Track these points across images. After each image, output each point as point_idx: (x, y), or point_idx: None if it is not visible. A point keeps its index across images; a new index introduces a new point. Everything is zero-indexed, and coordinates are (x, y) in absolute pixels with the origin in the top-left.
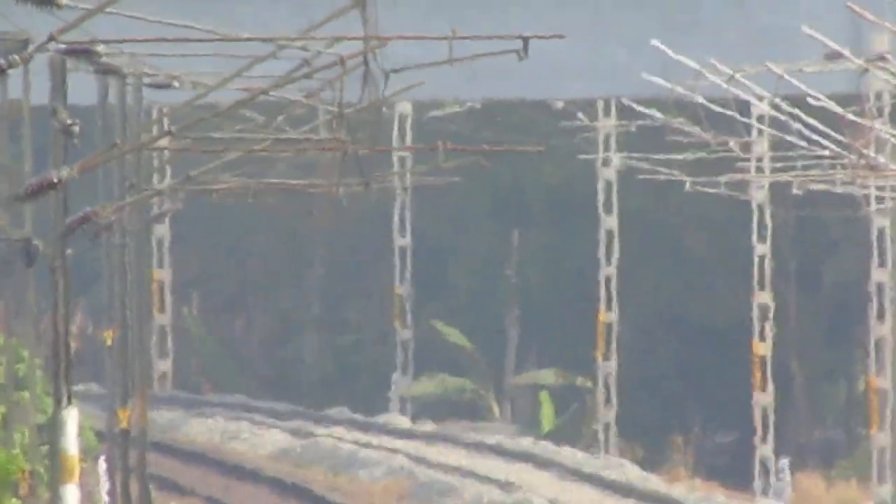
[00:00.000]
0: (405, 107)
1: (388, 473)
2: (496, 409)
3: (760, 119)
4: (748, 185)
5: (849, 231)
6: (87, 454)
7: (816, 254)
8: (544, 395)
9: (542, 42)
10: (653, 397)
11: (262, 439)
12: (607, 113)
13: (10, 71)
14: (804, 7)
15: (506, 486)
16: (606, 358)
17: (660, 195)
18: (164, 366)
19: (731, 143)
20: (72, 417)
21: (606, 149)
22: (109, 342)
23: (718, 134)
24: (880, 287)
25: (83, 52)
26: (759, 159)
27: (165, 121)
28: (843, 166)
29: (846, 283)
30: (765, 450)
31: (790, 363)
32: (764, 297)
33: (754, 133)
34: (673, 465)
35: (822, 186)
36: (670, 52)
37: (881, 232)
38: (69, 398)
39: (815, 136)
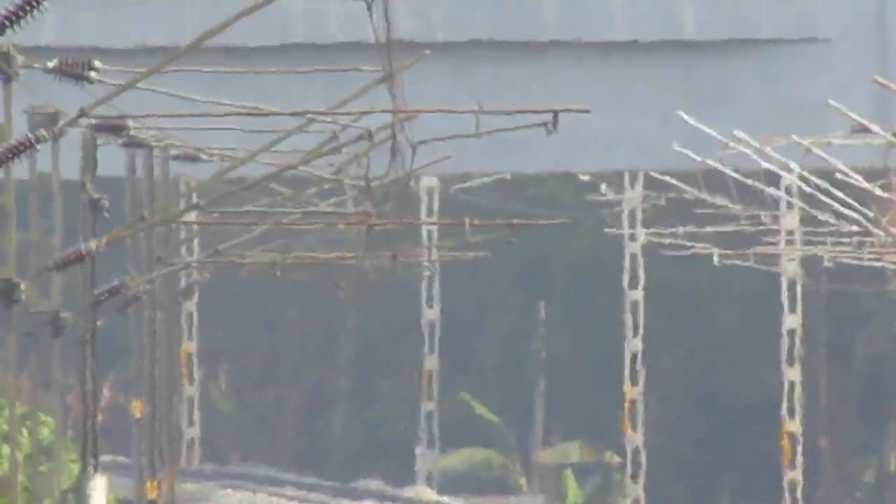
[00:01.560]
0: (432, 180)
1: None
2: (523, 484)
3: (789, 191)
4: (778, 257)
5: (881, 304)
6: None
7: (848, 327)
8: (568, 473)
9: (569, 114)
10: (681, 472)
11: None
12: (633, 185)
13: (40, 145)
14: (831, 80)
15: None
16: (633, 431)
17: (687, 267)
18: (191, 434)
19: (763, 217)
20: (99, 487)
21: (633, 221)
22: (138, 414)
23: (747, 206)
24: None
25: (114, 128)
26: (790, 232)
27: (194, 195)
28: (872, 242)
29: (878, 356)
30: None
31: (819, 438)
32: (793, 373)
33: (783, 206)
34: None
35: (851, 260)
36: (697, 124)
37: None
38: (95, 468)
39: (843, 210)
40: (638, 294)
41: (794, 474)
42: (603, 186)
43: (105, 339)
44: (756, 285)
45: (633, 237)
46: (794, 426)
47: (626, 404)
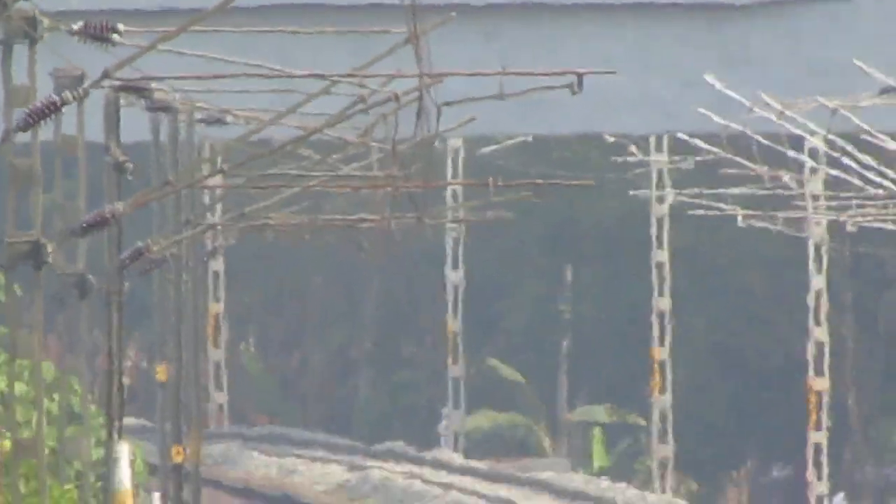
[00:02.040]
0: (457, 143)
1: None
2: (548, 446)
3: (814, 155)
4: (803, 220)
5: None
6: (140, 487)
7: (873, 289)
8: (596, 433)
9: (594, 76)
10: (707, 433)
11: (317, 474)
12: (659, 148)
13: (64, 107)
14: (857, 41)
15: None
16: (661, 393)
17: (713, 231)
18: (219, 398)
19: (786, 178)
20: (124, 452)
21: (659, 184)
22: (163, 377)
23: (773, 169)
24: None
25: (137, 89)
26: (815, 196)
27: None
28: None
29: None
30: (820, 486)
31: (846, 399)
32: (820, 333)
33: (808, 169)
34: (727, 501)
35: (876, 224)
36: (723, 88)
37: None
38: (120, 433)
39: (868, 174)
40: (664, 255)
41: (820, 435)
42: (632, 148)
43: (130, 302)
44: (781, 248)
45: (660, 199)
46: (820, 385)
47: (655, 366)
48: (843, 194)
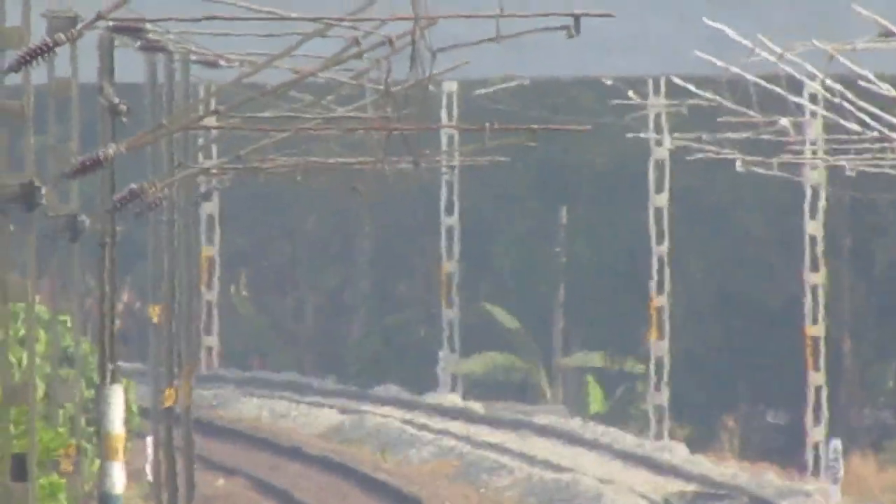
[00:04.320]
0: (452, 85)
1: (438, 453)
2: (546, 390)
3: (813, 99)
4: (801, 165)
5: None
6: (132, 432)
7: (869, 234)
8: (591, 379)
9: (592, 18)
10: (703, 378)
11: (310, 418)
12: (657, 92)
13: (58, 49)
14: None
15: (555, 467)
16: (659, 339)
17: (711, 175)
18: (210, 342)
19: (783, 122)
20: (116, 396)
21: (657, 127)
22: (155, 318)
23: (770, 114)
24: None
25: (131, 30)
26: (813, 141)
27: (213, 100)
28: (893, 149)
29: None
30: (816, 431)
31: (842, 343)
32: (816, 278)
33: (807, 113)
34: (722, 446)
35: (873, 169)
36: (722, 28)
37: None
38: (114, 376)
39: (866, 118)
40: (663, 200)
41: (818, 377)
42: (630, 92)
43: (124, 245)
44: (780, 194)
45: (658, 142)
46: (817, 330)
47: (653, 311)
48: (840, 137)
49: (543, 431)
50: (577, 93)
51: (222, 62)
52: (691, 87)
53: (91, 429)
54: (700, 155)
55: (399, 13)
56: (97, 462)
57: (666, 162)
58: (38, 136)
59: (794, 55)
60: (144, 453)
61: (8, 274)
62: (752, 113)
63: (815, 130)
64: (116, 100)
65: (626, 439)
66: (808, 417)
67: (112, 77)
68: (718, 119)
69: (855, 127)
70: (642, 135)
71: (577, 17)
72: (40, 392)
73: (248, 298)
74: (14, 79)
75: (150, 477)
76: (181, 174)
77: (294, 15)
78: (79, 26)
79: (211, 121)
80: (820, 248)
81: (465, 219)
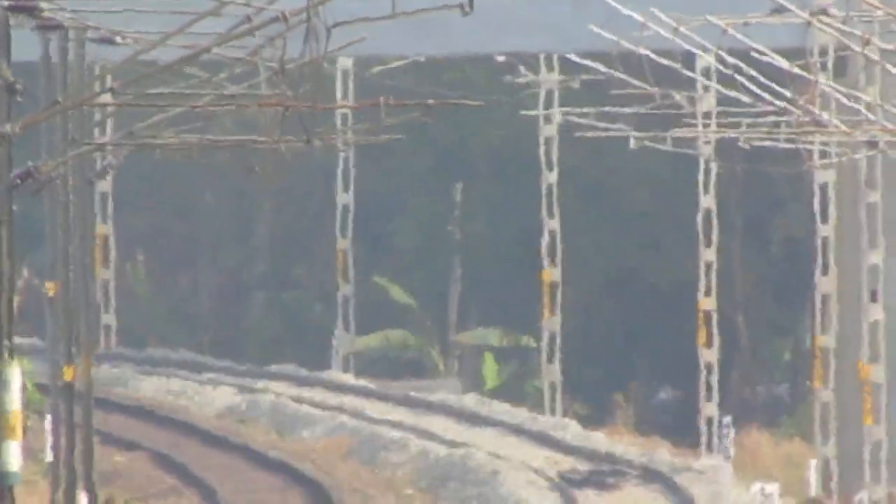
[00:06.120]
0: (347, 63)
1: (332, 430)
2: (441, 366)
3: (706, 73)
4: (694, 140)
5: (796, 186)
6: (31, 409)
7: (763, 209)
8: (487, 356)
9: None
10: (596, 355)
11: (207, 397)
12: (550, 67)
13: None
14: None
15: (449, 442)
16: (551, 315)
17: (602, 151)
18: (108, 320)
19: (677, 97)
20: (14, 374)
21: (549, 104)
22: (51, 293)
23: (663, 88)
24: (825, 242)
25: (26, 9)
26: (706, 114)
27: (108, 77)
28: (788, 122)
29: (795, 238)
30: (709, 407)
31: (736, 319)
32: (709, 254)
33: (700, 87)
34: (616, 423)
35: (767, 142)
36: (614, 4)
37: (824, 188)
38: (11, 354)
39: (759, 92)
40: (553, 177)
41: (710, 354)
42: (522, 68)
43: (21, 225)
44: (673, 168)
45: (548, 119)
46: (709, 304)
47: (546, 287)
48: (733, 110)
49: (437, 408)
50: (472, 71)
51: (118, 39)
52: (585, 63)
53: None
54: (590, 133)
55: None
56: None
57: (554, 139)
58: None
59: (688, 30)
60: (44, 432)
61: None
62: (645, 87)
63: (707, 104)
64: (12, 79)
65: (521, 415)
66: (701, 394)
67: (8, 56)
68: (611, 92)
69: (748, 100)
70: (532, 112)
71: None
72: None
73: (145, 278)
74: None
75: (49, 458)
76: (75, 151)
77: None
78: None
79: (106, 98)
80: (713, 224)
81: (361, 197)
